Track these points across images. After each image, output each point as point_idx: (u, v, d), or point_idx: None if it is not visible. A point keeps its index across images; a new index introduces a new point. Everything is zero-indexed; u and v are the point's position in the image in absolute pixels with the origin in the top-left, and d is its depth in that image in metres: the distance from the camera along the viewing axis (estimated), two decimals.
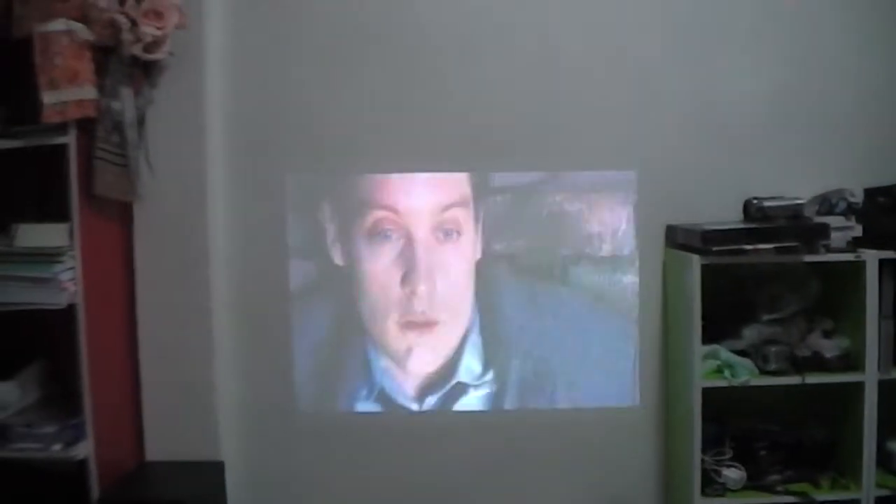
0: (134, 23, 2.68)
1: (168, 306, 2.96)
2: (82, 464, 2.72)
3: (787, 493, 2.84)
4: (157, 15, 2.70)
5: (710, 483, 2.84)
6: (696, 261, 2.78)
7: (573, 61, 3.14)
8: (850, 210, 2.89)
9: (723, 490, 2.83)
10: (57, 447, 2.67)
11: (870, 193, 2.97)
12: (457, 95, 3.14)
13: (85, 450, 2.72)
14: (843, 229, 2.85)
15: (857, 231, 2.87)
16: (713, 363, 2.88)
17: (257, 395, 3.18)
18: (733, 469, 2.85)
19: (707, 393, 2.82)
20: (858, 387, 2.81)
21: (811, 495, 2.83)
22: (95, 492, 2.72)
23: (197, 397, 2.99)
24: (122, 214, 2.93)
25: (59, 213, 2.73)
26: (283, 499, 3.21)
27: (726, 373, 2.84)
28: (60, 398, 2.85)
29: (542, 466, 3.21)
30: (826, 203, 2.93)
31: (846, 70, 3.14)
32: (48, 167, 2.77)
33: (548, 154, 3.15)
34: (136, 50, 2.71)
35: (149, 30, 2.69)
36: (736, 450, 2.89)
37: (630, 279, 3.16)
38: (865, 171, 3.05)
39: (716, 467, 2.85)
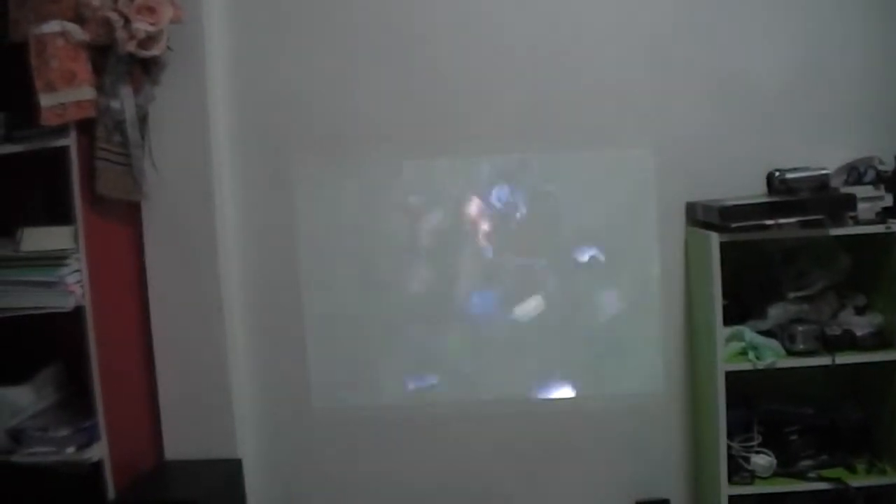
0: (127, 20, 2.64)
1: (180, 305, 2.96)
2: (97, 466, 2.72)
3: (821, 479, 2.71)
4: (150, 10, 2.66)
5: (739, 470, 2.73)
6: (714, 238, 2.66)
7: (584, 35, 3.02)
8: (880, 178, 2.72)
9: (751, 478, 2.72)
10: (70, 450, 2.66)
11: None
12: (466, 77, 3.05)
13: (99, 452, 2.72)
14: (873, 199, 2.69)
15: (888, 201, 2.70)
16: (737, 345, 2.75)
17: (273, 390, 3.16)
18: (762, 455, 2.73)
19: (733, 376, 2.69)
20: (894, 365, 2.66)
21: (846, 481, 2.69)
22: (112, 493, 2.72)
23: (213, 395, 2.99)
24: (130, 214, 2.92)
25: (65, 216, 2.73)
26: (302, 494, 3.18)
27: (751, 355, 2.71)
28: (77, 401, 2.85)
29: (566, 455, 3.13)
30: (854, 172, 2.76)
31: (873, 31, 2.95)
32: (53, 170, 2.76)
33: (560, 134, 3.05)
34: (131, 47, 2.67)
35: (142, 26, 2.65)
36: (765, 435, 2.77)
37: (651, 260, 3.04)
38: None
39: (744, 454, 2.74)
